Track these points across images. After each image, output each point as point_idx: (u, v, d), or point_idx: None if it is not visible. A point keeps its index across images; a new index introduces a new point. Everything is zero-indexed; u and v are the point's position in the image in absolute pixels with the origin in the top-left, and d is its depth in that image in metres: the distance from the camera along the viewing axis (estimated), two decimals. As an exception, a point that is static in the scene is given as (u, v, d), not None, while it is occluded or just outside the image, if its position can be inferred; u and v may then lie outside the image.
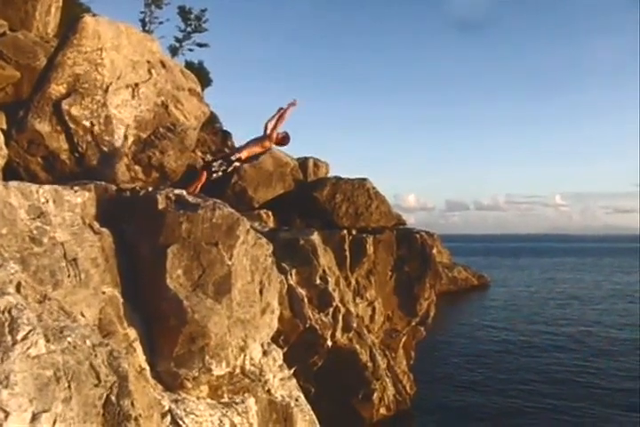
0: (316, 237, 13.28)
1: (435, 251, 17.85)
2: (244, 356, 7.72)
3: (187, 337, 7.04)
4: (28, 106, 9.82)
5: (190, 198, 7.80)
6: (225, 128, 21.60)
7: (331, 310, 12.84)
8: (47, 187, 6.79)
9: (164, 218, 7.41)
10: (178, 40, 32.95)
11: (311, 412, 8.70)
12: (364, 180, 17.05)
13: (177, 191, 7.93)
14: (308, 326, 12.28)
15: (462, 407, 16.28)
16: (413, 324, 16.84)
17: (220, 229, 7.55)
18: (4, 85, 12.67)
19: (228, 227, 7.62)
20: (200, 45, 33.47)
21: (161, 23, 32.81)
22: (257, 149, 10.43)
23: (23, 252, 5.88)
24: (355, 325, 13.55)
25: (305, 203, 16.00)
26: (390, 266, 16.38)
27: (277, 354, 8.76)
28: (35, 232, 6.16)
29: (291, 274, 12.46)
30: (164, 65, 11.52)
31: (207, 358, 7.09)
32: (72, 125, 9.82)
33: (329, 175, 18.19)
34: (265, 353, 8.37)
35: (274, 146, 10.95)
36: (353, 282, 15.40)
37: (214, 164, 10.13)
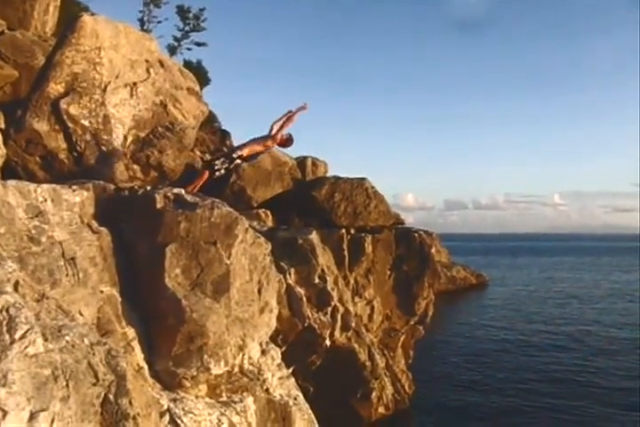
0: (314, 236, 13.28)
1: (433, 250, 17.86)
2: (243, 355, 7.72)
3: (185, 336, 7.03)
4: (26, 105, 9.80)
5: (188, 197, 7.79)
6: (224, 127, 21.64)
7: (329, 309, 12.84)
8: (45, 186, 6.78)
9: (163, 217, 7.40)
10: (176, 39, 32.94)
11: (310, 411, 8.70)
12: (363, 179, 17.06)
13: (175, 190, 7.92)
14: (306, 325, 12.28)
15: (461, 406, 16.30)
16: (412, 323, 16.86)
17: (219, 228, 7.55)
18: (3, 85, 12.65)
19: (226, 226, 7.61)
20: (198, 44, 33.45)
21: (159, 22, 32.81)
22: (258, 148, 10.41)
23: (21, 251, 5.87)
24: (353, 324, 13.56)
25: (303, 202, 16.01)
26: (389, 265, 16.40)
27: (276, 353, 8.76)
28: (33, 231, 6.15)
29: (289, 273, 12.46)
30: (162, 64, 11.51)
31: (205, 357, 7.09)
32: (70, 125, 9.81)
33: (327, 174, 18.20)
34: (263, 352, 8.37)
35: (276, 146, 10.94)
36: (352, 281, 15.41)
37: (216, 162, 10.12)
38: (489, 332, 27.65)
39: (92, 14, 10.62)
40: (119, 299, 6.91)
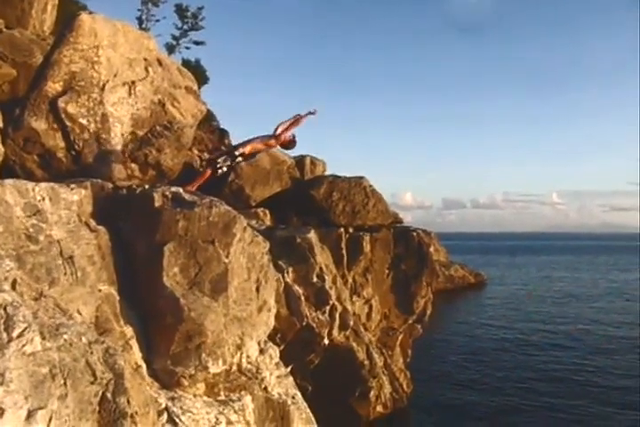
0: (312, 235, 13.28)
1: (431, 249, 17.90)
2: (241, 354, 7.72)
3: (183, 335, 7.03)
4: (24, 104, 9.78)
5: (187, 196, 7.79)
6: (222, 126, 21.62)
7: (327, 308, 12.85)
8: (43, 184, 6.78)
9: (161, 216, 7.40)
10: (175, 38, 32.94)
11: (308, 410, 8.70)
12: (361, 178, 17.06)
13: (173, 189, 7.91)
14: (304, 324, 12.28)
15: (459, 405, 16.32)
16: (410, 322, 16.88)
17: (217, 226, 7.54)
18: (1, 83, 12.64)
19: (224, 225, 7.61)
20: (197, 43, 33.46)
21: (158, 21, 32.82)
22: (260, 146, 10.37)
23: (19, 250, 5.86)
24: (351, 323, 13.56)
25: (302, 201, 16.02)
26: (387, 264, 16.41)
27: (274, 352, 8.76)
28: (31, 230, 6.15)
29: (287, 272, 12.46)
30: (160, 63, 11.49)
31: (204, 355, 7.09)
32: (68, 123, 9.79)
33: (326, 173, 18.20)
34: (262, 351, 8.36)
35: (278, 147, 10.92)
36: (350, 280, 15.42)
37: (219, 159, 10.10)
38: (487, 331, 27.68)
39: (91, 13, 10.58)
40: (117, 298, 6.91)
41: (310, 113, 10.38)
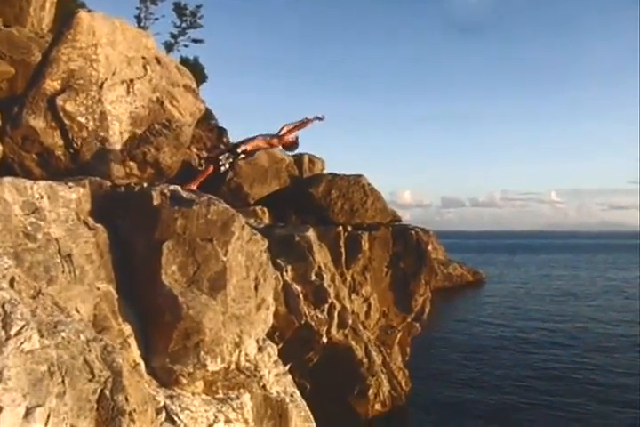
0: (311, 233, 13.29)
1: (430, 247, 17.91)
2: (239, 352, 7.72)
3: (182, 333, 7.03)
4: (22, 102, 9.78)
5: (185, 194, 7.79)
6: (220, 125, 21.61)
7: (326, 306, 12.87)
8: (42, 183, 6.78)
9: (159, 214, 7.40)
10: (173, 36, 32.93)
11: (306, 408, 8.70)
12: (360, 176, 17.06)
13: (172, 187, 7.91)
14: (303, 322, 12.30)
15: (458, 403, 16.33)
16: (409, 320, 16.88)
17: (215, 224, 7.54)
18: (-1, 81, 12.65)
19: (223, 223, 7.61)
20: (195, 41, 33.45)
21: (156, 19, 32.81)
22: (262, 144, 10.33)
23: (17, 247, 5.86)
24: (350, 321, 13.58)
25: (300, 199, 16.02)
26: (386, 262, 16.41)
27: (272, 350, 8.76)
28: (29, 228, 6.15)
29: (286, 270, 12.47)
30: (159, 61, 11.49)
31: (202, 353, 7.09)
32: (67, 121, 9.78)
33: (324, 172, 18.20)
34: (260, 349, 8.37)
35: (280, 147, 10.91)
36: (348, 278, 15.42)
37: (221, 157, 10.06)
38: (486, 329, 27.70)
39: (89, 11, 10.57)
40: (115, 296, 6.91)
41: (318, 118, 10.36)
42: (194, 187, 9.36)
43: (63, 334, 4.93)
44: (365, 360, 13.94)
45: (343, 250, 15.30)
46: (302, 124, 10.26)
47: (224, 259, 7.46)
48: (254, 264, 8.18)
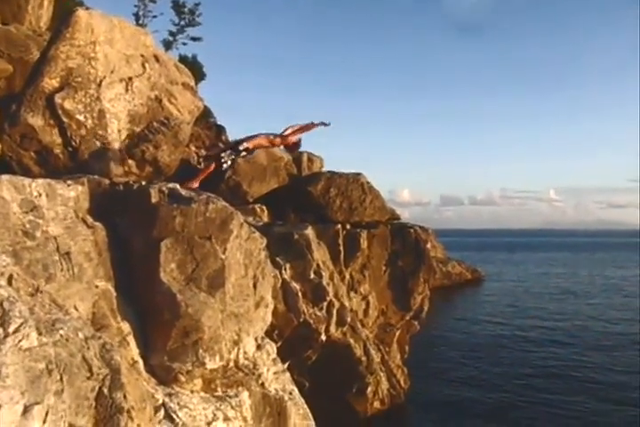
0: (310, 231, 13.29)
1: (429, 245, 17.90)
2: (238, 350, 7.72)
3: (180, 331, 7.03)
4: (20, 100, 9.76)
5: (183, 192, 7.79)
6: (219, 123, 21.58)
7: (325, 304, 12.87)
8: (40, 181, 6.77)
9: (158, 212, 7.39)
10: (172, 34, 32.83)
11: (305, 406, 8.70)
12: (359, 174, 17.06)
13: (170, 185, 7.91)
14: (302, 320, 12.30)
15: (456, 401, 16.36)
16: (407, 318, 16.90)
17: (214, 222, 7.54)
18: (-3, 79, 12.63)
19: (221, 221, 7.60)
20: (194, 39, 33.35)
21: (155, 17, 32.68)
22: (264, 143, 10.32)
23: (16, 245, 5.86)
24: (349, 319, 13.58)
25: (299, 197, 16.02)
26: (384, 260, 16.43)
27: (271, 348, 8.76)
28: (27, 226, 6.14)
29: (285, 268, 12.47)
30: (157, 59, 11.47)
31: (201, 351, 7.09)
32: (65, 119, 9.77)
33: (323, 170, 18.19)
34: (259, 347, 8.37)
35: (281, 147, 10.90)
36: (347, 276, 15.43)
37: (223, 154, 10.06)
38: (485, 327, 27.72)
39: (87, 9, 10.56)
40: (114, 294, 6.91)
41: (324, 124, 10.36)
42: (195, 185, 9.35)
43: (61, 331, 4.93)
44: (364, 358, 13.95)
45: (342, 248, 15.31)
46: (307, 127, 10.26)
47: (223, 257, 7.46)
48: (253, 262, 8.18)
